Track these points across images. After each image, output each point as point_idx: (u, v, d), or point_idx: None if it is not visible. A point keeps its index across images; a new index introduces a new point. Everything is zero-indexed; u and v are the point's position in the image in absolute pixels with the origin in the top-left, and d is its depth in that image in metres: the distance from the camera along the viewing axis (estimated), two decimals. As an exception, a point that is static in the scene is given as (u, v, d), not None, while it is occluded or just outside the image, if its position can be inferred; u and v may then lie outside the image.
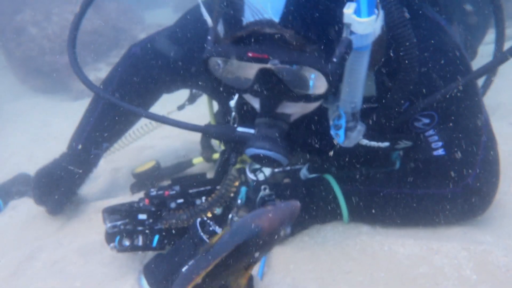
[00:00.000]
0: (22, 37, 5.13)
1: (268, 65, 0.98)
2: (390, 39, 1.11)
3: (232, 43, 1.00)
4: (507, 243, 1.26)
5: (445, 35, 1.26)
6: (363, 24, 0.97)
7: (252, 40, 0.97)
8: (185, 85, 1.78)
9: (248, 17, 0.97)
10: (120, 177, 2.15)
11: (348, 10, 0.95)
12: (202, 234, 1.09)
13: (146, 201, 1.37)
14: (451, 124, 1.26)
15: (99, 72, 4.90)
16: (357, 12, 0.97)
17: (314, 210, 1.42)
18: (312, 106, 1.17)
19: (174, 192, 1.42)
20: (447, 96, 1.16)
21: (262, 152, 1.13)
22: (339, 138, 1.19)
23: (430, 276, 1.20)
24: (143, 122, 2.62)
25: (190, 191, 1.43)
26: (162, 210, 1.27)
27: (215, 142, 2.09)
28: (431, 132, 1.28)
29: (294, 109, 1.15)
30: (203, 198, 1.40)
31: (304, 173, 1.56)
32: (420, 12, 1.29)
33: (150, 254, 1.34)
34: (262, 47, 0.97)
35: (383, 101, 1.21)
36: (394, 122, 1.24)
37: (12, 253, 1.51)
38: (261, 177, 1.50)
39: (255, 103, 1.19)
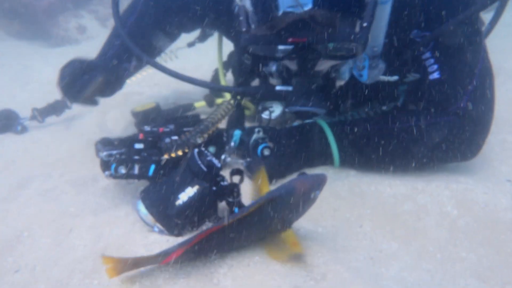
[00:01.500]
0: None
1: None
2: None
3: (271, 31, 1.10)
4: (487, 184, 1.34)
5: None
6: None
7: (290, 26, 1.07)
8: (203, 24, 1.77)
9: (283, 6, 1.07)
10: (108, 120, 2.12)
11: None
12: (200, 162, 1.11)
13: (141, 135, 1.37)
14: (449, 49, 1.32)
15: (81, 19, 4.69)
16: None
17: (306, 153, 1.46)
18: (342, 62, 1.30)
19: (168, 129, 1.42)
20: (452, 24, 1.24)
21: (304, 108, 1.27)
22: (362, 77, 1.34)
23: (413, 212, 1.26)
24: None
25: (185, 129, 1.43)
26: (158, 142, 1.28)
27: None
28: (427, 54, 1.34)
29: (327, 65, 1.29)
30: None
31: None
32: None
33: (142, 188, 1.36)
34: (300, 32, 1.09)
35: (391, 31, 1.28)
36: (403, 51, 1.32)
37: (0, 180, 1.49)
38: (274, 115, 1.56)
39: (290, 65, 1.29)
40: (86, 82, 1.51)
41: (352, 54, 1.21)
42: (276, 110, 1.60)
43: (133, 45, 1.51)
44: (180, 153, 1.28)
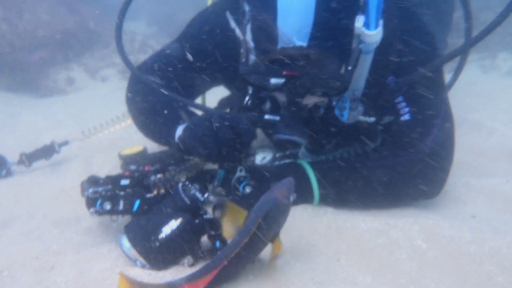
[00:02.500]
0: (-9, 33, 5.01)
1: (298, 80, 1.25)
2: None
3: (268, 63, 1.24)
4: (453, 220, 1.43)
5: (423, 27, 1.52)
6: (370, 36, 1.24)
7: (285, 60, 1.21)
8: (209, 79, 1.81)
9: (281, 43, 1.20)
10: (94, 164, 2.17)
11: (358, 24, 1.21)
12: (184, 196, 1.17)
13: (126, 173, 1.43)
14: (418, 95, 1.48)
15: (71, 72, 4.86)
16: (366, 25, 1.23)
17: None
18: (328, 98, 1.44)
19: (154, 168, 1.49)
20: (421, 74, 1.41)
21: (288, 137, 1.39)
22: (343, 117, 1.47)
23: (386, 246, 1.33)
24: (115, 114, 2.68)
25: (170, 167, 1.50)
26: (144, 180, 1.34)
27: None
28: (400, 98, 1.50)
29: (312, 101, 1.41)
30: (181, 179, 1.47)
31: (302, 151, 1.71)
32: (404, 6, 1.53)
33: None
34: (294, 67, 1.22)
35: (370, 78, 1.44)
36: (379, 95, 1.47)
37: (-18, 223, 1.50)
38: (266, 160, 1.68)
39: (279, 97, 1.41)
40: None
41: (336, 93, 1.34)
42: (267, 156, 1.70)
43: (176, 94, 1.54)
44: (162, 190, 1.34)
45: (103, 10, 6.12)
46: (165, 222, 1.16)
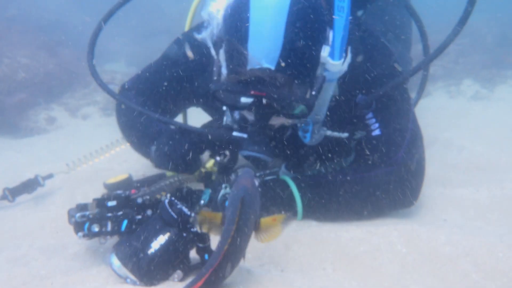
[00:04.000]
0: (-30, 78, 5.02)
1: (265, 100, 1.34)
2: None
3: (237, 82, 1.33)
4: (428, 226, 1.51)
5: (385, 48, 1.65)
6: (335, 65, 1.38)
7: (254, 81, 1.30)
8: (184, 103, 1.97)
9: (251, 65, 1.29)
10: (78, 194, 2.17)
11: (324, 53, 1.35)
12: (170, 211, 1.21)
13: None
14: (386, 110, 1.60)
15: (51, 111, 4.86)
16: (331, 55, 1.36)
17: (272, 206, 1.59)
18: (292, 121, 1.53)
19: (140, 192, 1.53)
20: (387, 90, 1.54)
21: (253, 154, 1.44)
22: (306, 138, 1.57)
23: (369, 252, 1.39)
24: (101, 143, 2.71)
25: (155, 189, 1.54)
26: (131, 199, 1.37)
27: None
28: (370, 115, 1.61)
29: (279, 121, 1.50)
30: (167, 195, 1.51)
31: (283, 170, 1.79)
32: (367, 29, 1.68)
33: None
34: (261, 87, 1.30)
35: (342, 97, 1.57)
36: (350, 112, 1.58)
37: (-33, 255, 1.48)
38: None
39: (249, 115, 1.50)
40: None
41: (300, 115, 1.43)
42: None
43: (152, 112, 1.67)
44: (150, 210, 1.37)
45: (82, 51, 6.23)
46: (153, 237, 1.19)
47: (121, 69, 6.96)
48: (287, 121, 1.50)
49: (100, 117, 4.80)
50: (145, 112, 1.65)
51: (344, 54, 1.40)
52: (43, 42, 6.04)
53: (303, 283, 1.26)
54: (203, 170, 1.86)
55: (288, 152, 1.64)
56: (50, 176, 2.21)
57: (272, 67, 1.28)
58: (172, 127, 1.71)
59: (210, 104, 1.84)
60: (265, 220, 1.18)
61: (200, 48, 1.71)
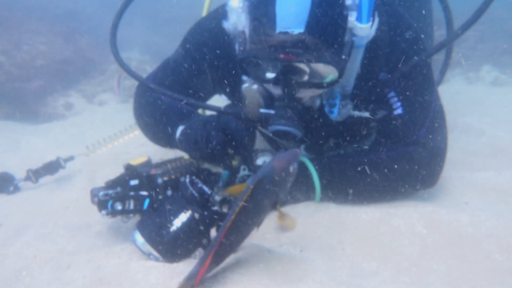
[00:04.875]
0: (-12, 65, 5.12)
1: (294, 64, 1.30)
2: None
3: (266, 47, 1.29)
4: (449, 208, 1.49)
5: (408, 24, 1.60)
6: (363, 29, 1.33)
7: (283, 45, 1.26)
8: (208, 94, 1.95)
9: (279, 28, 1.25)
10: (98, 177, 2.22)
11: (352, 18, 1.30)
12: (192, 189, 1.23)
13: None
14: (409, 89, 1.56)
15: (69, 98, 4.94)
16: (359, 19, 1.32)
17: (290, 188, 1.59)
18: (321, 91, 1.47)
19: (160, 171, 1.55)
20: (410, 68, 1.49)
21: (284, 128, 1.41)
22: (333, 114, 1.52)
23: (389, 233, 1.39)
24: (118, 128, 2.75)
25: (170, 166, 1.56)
26: (152, 178, 1.39)
27: None
28: (392, 94, 1.57)
29: (306, 94, 1.46)
30: (188, 175, 1.52)
31: (302, 152, 1.76)
32: (392, 7, 1.63)
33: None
34: (291, 50, 1.25)
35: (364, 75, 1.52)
36: (372, 90, 1.54)
37: (-5, 232, 1.53)
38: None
39: (275, 90, 1.46)
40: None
41: (330, 83, 1.37)
42: (268, 159, 1.76)
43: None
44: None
45: (98, 39, 6.29)
46: (175, 215, 1.21)
47: (135, 56, 7.01)
48: (315, 93, 1.47)
49: (116, 104, 4.86)
50: (172, 96, 1.61)
51: (371, 18, 1.35)
52: (60, 30, 6.11)
53: (323, 263, 1.27)
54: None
55: (311, 132, 1.60)
56: (71, 158, 2.26)
57: (301, 30, 1.24)
58: (203, 112, 1.66)
59: (233, 91, 1.79)
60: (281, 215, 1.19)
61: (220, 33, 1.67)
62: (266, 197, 1.08)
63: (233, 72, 1.70)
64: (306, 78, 1.37)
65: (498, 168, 1.97)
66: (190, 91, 1.77)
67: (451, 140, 2.45)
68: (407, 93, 1.57)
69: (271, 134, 1.49)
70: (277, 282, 1.12)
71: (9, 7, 6.27)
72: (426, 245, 1.32)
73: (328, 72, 1.35)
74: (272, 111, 1.46)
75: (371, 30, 1.35)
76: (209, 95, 1.90)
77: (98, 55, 6.08)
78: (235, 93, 1.82)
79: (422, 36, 1.60)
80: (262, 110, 1.48)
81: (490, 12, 1.44)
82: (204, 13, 2.23)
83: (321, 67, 1.34)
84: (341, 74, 1.33)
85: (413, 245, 1.33)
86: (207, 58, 1.71)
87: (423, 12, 2.31)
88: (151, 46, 7.31)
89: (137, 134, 2.58)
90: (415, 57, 1.49)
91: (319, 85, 1.39)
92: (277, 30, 1.26)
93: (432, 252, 1.29)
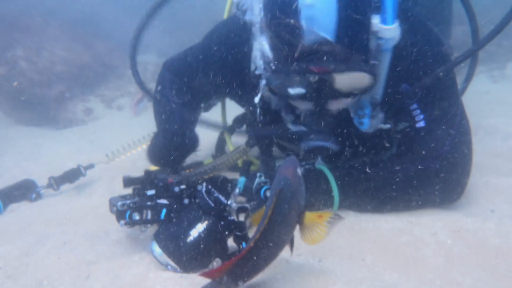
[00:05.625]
0: (12, 71, 5.27)
1: (325, 76, 1.25)
2: None
3: (292, 61, 1.24)
4: (474, 217, 1.44)
5: (431, 33, 1.55)
6: (388, 30, 1.27)
7: (312, 56, 1.22)
8: (214, 96, 2.04)
9: (307, 39, 1.20)
10: (117, 184, 2.24)
11: (376, 20, 1.25)
12: (208, 199, 1.22)
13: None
14: (432, 101, 1.50)
15: (88, 103, 5.04)
16: (383, 21, 1.26)
17: (308, 196, 1.56)
18: (352, 101, 1.42)
19: (176, 180, 1.55)
20: (433, 80, 1.44)
21: (320, 144, 1.38)
22: (363, 125, 1.46)
23: (411, 243, 1.35)
24: (136, 134, 2.78)
25: (192, 178, 1.55)
26: (169, 188, 1.39)
27: (228, 147, 2.28)
28: (414, 106, 1.51)
29: (337, 106, 1.42)
30: (204, 184, 1.51)
31: (319, 162, 1.73)
32: (412, 14, 1.56)
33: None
34: (321, 62, 1.21)
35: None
36: (395, 102, 1.49)
37: (18, 241, 1.56)
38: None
39: (303, 105, 1.41)
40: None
41: (365, 88, 1.32)
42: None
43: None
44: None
45: (116, 44, 6.39)
46: (192, 226, 1.21)
47: (152, 60, 7.08)
48: (345, 103, 1.41)
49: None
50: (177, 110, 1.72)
51: (396, 20, 1.29)
52: (78, 35, 6.23)
53: (342, 274, 1.24)
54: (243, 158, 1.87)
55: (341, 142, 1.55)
56: (91, 166, 2.30)
57: (331, 39, 1.19)
58: (175, 126, 1.77)
59: (242, 95, 1.79)
60: (310, 216, 1.11)
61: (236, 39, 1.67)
62: (290, 207, 1.05)
63: (246, 79, 1.68)
64: (337, 88, 1.31)
65: (525, 173, 1.90)
66: (198, 91, 1.86)
67: (475, 142, 2.36)
68: (430, 105, 1.51)
69: (303, 151, 1.46)
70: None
71: (30, 14, 6.44)
72: (451, 256, 1.27)
73: (359, 79, 1.29)
74: (303, 128, 1.42)
75: (396, 31, 1.29)
76: (209, 97, 1.97)
77: (116, 60, 6.17)
78: (244, 99, 1.82)
79: (443, 42, 1.54)
80: (292, 127, 1.45)
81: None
82: (226, 10, 2.23)
83: (351, 76, 1.28)
84: (374, 80, 1.29)
85: (436, 256, 1.28)
86: (223, 60, 1.71)
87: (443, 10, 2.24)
88: (168, 49, 7.39)
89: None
90: (437, 70, 1.44)
91: (352, 94, 1.34)
92: (305, 41, 1.21)
93: (458, 264, 1.24)
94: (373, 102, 1.44)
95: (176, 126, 1.78)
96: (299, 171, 1.09)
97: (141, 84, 1.83)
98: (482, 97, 3.92)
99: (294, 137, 1.48)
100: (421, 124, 1.53)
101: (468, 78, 2.21)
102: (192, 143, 1.84)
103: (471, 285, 1.16)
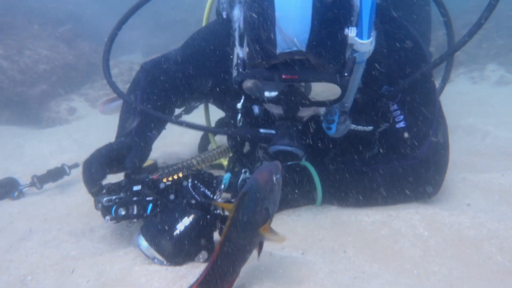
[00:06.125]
0: (-9, 70, 5.16)
1: (296, 84, 1.30)
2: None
3: (267, 68, 1.30)
4: (450, 211, 1.50)
5: (408, 34, 1.60)
6: (363, 45, 1.33)
7: (285, 65, 1.27)
8: (193, 100, 2.01)
9: (280, 48, 1.26)
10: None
11: (352, 34, 1.30)
12: (194, 194, 1.24)
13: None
14: (411, 102, 1.55)
15: (72, 102, 4.98)
16: (359, 35, 1.32)
17: (292, 192, 1.60)
18: (322, 109, 1.47)
19: (160, 172, 1.56)
20: (412, 81, 1.49)
21: (285, 148, 1.41)
22: (331, 130, 1.51)
23: (390, 236, 1.39)
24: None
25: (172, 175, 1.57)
26: (155, 183, 1.40)
27: (211, 146, 2.28)
28: (395, 106, 1.57)
29: (308, 113, 1.47)
30: (189, 180, 1.53)
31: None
32: (390, 16, 1.63)
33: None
34: (293, 70, 1.26)
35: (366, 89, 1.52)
36: (374, 104, 1.53)
37: (0, 239, 1.55)
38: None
39: (275, 109, 1.46)
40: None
41: (333, 102, 1.36)
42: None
43: (153, 110, 1.65)
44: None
45: (99, 43, 6.33)
46: (178, 219, 1.23)
47: (138, 60, 7.05)
48: (316, 111, 1.47)
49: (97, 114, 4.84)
50: (155, 114, 1.63)
51: (372, 34, 1.36)
52: (61, 34, 6.16)
53: (324, 266, 1.27)
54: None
55: (311, 147, 1.59)
56: (75, 165, 2.28)
57: (303, 49, 1.25)
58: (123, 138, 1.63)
59: (223, 100, 1.81)
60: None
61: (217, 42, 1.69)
62: (255, 212, 1.03)
63: (226, 82, 1.71)
64: (308, 97, 1.35)
65: (502, 169, 1.97)
66: (180, 95, 1.81)
67: (455, 141, 2.45)
68: (410, 106, 1.56)
69: (270, 155, 1.49)
70: (278, 284, 1.12)
71: (12, 13, 6.33)
72: (428, 247, 1.32)
73: (330, 90, 1.34)
74: (272, 131, 1.45)
75: (371, 45, 1.36)
76: (184, 102, 1.94)
77: (100, 59, 6.11)
78: (226, 104, 1.84)
79: (424, 48, 1.59)
80: (262, 131, 1.48)
81: (495, 10, 1.44)
82: (204, 17, 2.25)
83: (323, 86, 1.33)
84: (343, 92, 1.32)
85: (414, 248, 1.33)
86: (203, 66, 1.73)
87: (422, 15, 2.31)
88: (153, 48, 7.36)
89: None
90: (416, 72, 1.49)
91: (321, 104, 1.38)
92: (278, 51, 1.26)
93: (434, 255, 1.29)
94: (342, 109, 1.50)
95: (128, 140, 1.62)
96: (274, 177, 1.07)
97: (112, 84, 1.77)
98: (461, 97, 4.04)
99: (262, 140, 1.50)
100: (401, 124, 1.58)
101: (444, 79, 2.29)
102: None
103: (446, 274, 1.21)
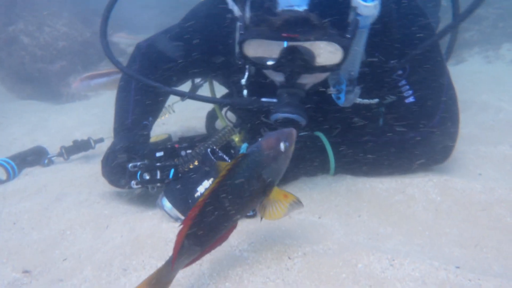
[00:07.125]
0: (14, 46, 5.28)
1: (297, 43, 1.27)
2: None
3: (267, 27, 1.27)
4: (462, 177, 1.55)
5: (416, 7, 1.60)
6: (367, 7, 1.30)
7: (286, 23, 1.25)
8: (193, 76, 2.02)
9: (282, 5, 1.24)
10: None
11: None
12: (213, 158, 1.32)
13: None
14: (420, 75, 1.56)
15: (90, 79, 5.09)
16: None
17: (304, 161, 1.65)
18: (325, 75, 1.46)
19: (183, 145, 1.64)
20: (420, 54, 1.48)
21: (286, 115, 1.39)
22: (340, 100, 1.50)
23: (404, 201, 1.46)
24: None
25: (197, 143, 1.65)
26: (176, 151, 1.48)
27: (219, 125, 2.32)
28: (403, 82, 1.58)
29: (310, 80, 1.44)
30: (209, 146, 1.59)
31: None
32: None
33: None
34: (294, 29, 1.24)
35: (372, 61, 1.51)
36: (382, 77, 1.54)
37: (37, 199, 1.66)
38: None
39: (276, 77, 1.44)
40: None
41: (336, 64, 1.33)
42: None
43: (151, 80, 1.65)
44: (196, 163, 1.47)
45: (116, 21, 6.37)
46: (199, 183, 1.31)
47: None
48: (319, 78, 1.46)
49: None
50: (158, 86, 1.62)
51: None
52: (79, 12, 6.21)
53: (340, 228, 1.35)
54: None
55: (318, 119, 1.58)
56: (101, 140, 2.40)
57: (305, 7, 1.22)
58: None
59: (228, 76, 1.77)
60: (276, 192, 1.05)
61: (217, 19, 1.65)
62: (251, 177, 0.98)
63: (230, 59, 1.68)
64: (309, 61, 1.32)
65: (514, 142, 2.00)
66: (180, 71, 1.78)
67: (468, 117, 2.47)
68: (419, 80, 1.57)
69: (273, 123, 1.44)
70: (298, 242, 1.21)
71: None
72: (440, 211, 1.39)
73: (332, 52, 1.31)
74: (274, 100, 1.43)
75: (375, 9, 1.33)
76: (183, 80, 1.93)
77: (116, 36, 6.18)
78: (230, 81, 1.79)
79: (430, 20, 1.58)
80: (263, 99, 1.46)
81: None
82: None
83: (324, 48, 1.31)
84: (345, 55, 1.30)
85: (427, 212, 1.40)
86: (202, 43, 1.70)
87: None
88: (166, 26, 7.36)
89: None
90: (424, 43, 1.47)
91: (322, 69, 1.35)
92: (279, 8, 1.24)
93: (446, 218, 1.36)
94: (349, 78, 1.48)
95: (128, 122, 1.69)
96: (283, 144, 1.02)
97: (113, 59, 1.77)
98: (476, 76, 4.00)
99: (264, 108, 1.47)
100: (410, 99, 1.59)
101: (447, 53, 2.24)
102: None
103: (457, 234, 1.27)
